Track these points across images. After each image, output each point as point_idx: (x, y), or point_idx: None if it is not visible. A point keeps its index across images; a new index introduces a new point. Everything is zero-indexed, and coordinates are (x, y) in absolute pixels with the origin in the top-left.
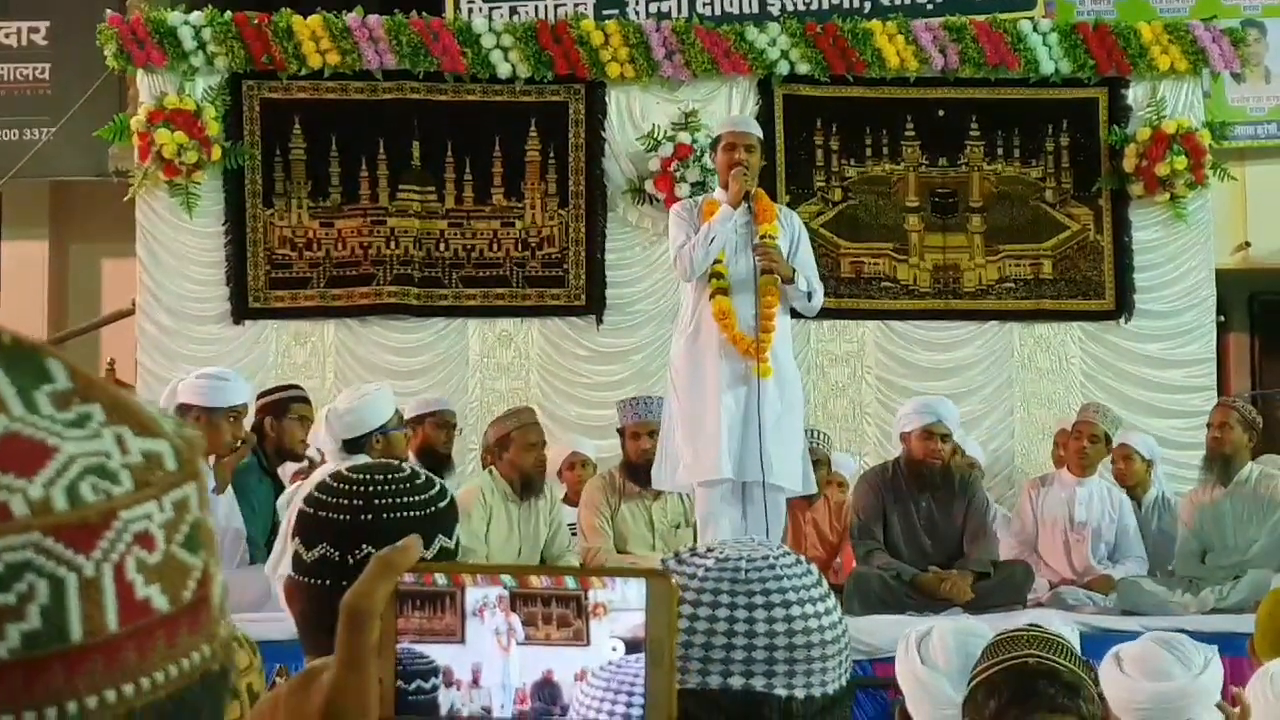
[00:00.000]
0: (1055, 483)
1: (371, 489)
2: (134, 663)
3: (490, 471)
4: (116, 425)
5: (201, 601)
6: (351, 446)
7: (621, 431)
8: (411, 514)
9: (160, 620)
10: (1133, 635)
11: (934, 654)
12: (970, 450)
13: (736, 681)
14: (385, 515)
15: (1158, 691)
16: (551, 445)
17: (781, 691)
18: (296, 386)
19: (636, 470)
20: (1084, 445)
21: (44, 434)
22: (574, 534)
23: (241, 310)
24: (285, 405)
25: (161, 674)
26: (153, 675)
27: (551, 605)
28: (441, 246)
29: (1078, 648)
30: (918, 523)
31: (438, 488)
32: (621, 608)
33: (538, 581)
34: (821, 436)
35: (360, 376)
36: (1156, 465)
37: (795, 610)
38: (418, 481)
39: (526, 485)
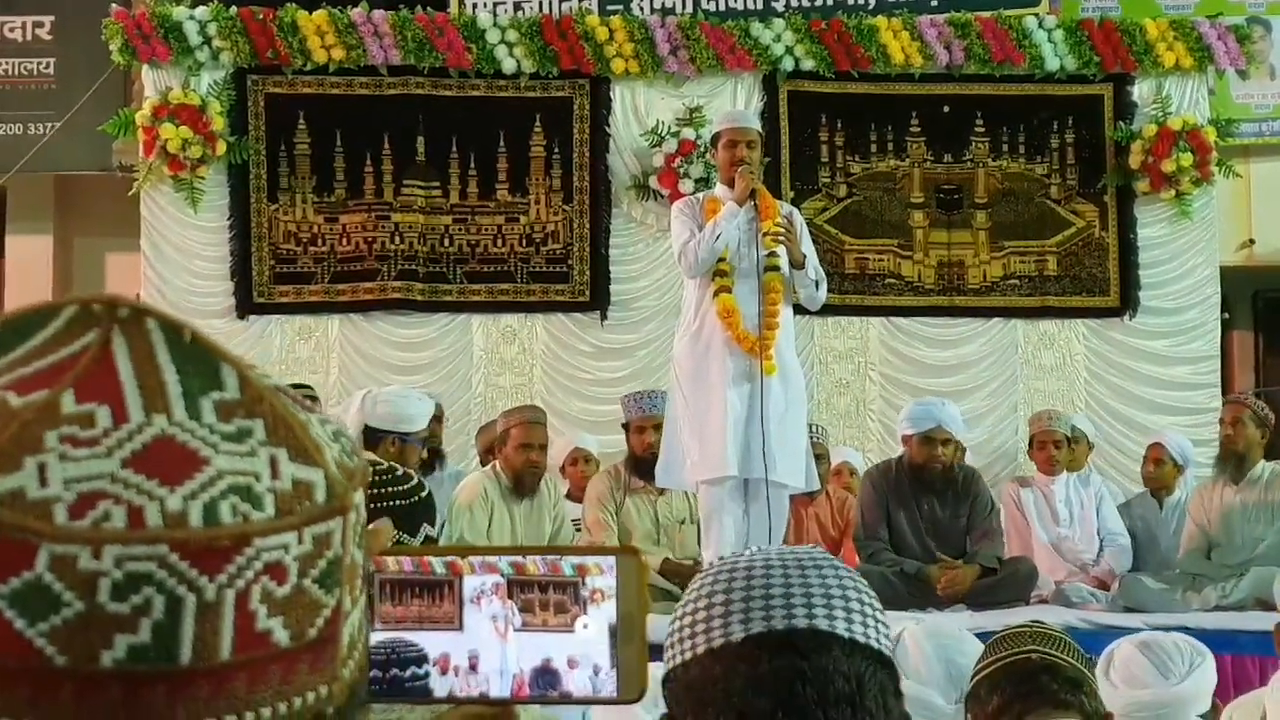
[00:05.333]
0: (1033, 485)
1: None
2: (242, 694)
3: (493, 467)
4: (274, 446)
5: (328, 640)
6: (370, 436)
7: (626, 426)
8: (398, 504)
9: (278, 654)
10: (1134, 631)
11: (915, 664)
12: None
13: (801, 621)
14: (373, 506)
15: (1134, 700)
16: (554, 441)
17: (844, 633)
18: (307, 387)
19: (641, 465)
20: (1051, 454)
21: (198, 443)
22: (578, 529)
23: (246, 305)
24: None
25: (269, 709)
26: (259, 710)
27: (549, 592)
28: (446, 242)
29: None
30: (921, 524)
31: (416, 480)
32: (614, 594)
33: (534, 569)
34: (821, 431)
35: (365, 372)
36: (1188, 470)
37: (844, 571)
38: (398, 474)
39: (518, 484)
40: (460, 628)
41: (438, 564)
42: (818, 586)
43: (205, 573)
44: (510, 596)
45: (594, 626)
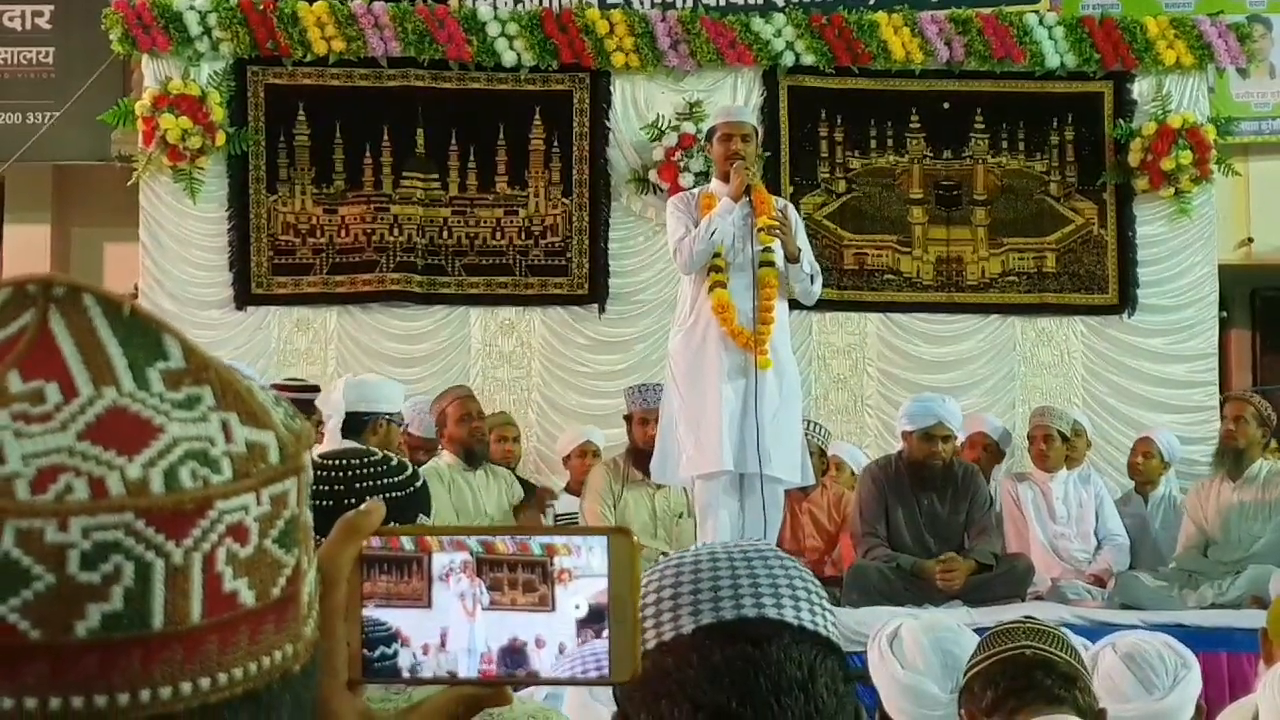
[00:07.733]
0: (1030, 481)
1: (351, 473)
2: (214, 656)
3: (439, 455)
4: (224, 411)
5: (290, 599)
6: (354, 422)
7: (629, 418)
8: (394, 494)
9: (245, 615)
10: (1130, 629)
11: (910, 655)
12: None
13: (750, 611)
14: (368, 497)
15: (1116, 714)
16: (558, 434)
17: (793, 620)
18: (316, 388)
19: (642, 457)
20: (1042, 448)
21: (151, 412)
22: (576, 523)
23: (244, 296)
24: (304, 407)
25: (240, 670)
26: (231, 671)
27: (517, 571)
28: (445, 234)
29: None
30: (920, 520)
31: (411, 470)
32: (586, 574)
33: (504, 548)
34: (818, 429)
35: (362, 364)
36: (1172, 467)
37: (789, 561)
38: (392, 464)
39: (469, 455)
40: (429, 605)
41: (406, 540)
42: (764, 576)
43: (172, 537)
44: (479, 575)
45: (561, 607)
